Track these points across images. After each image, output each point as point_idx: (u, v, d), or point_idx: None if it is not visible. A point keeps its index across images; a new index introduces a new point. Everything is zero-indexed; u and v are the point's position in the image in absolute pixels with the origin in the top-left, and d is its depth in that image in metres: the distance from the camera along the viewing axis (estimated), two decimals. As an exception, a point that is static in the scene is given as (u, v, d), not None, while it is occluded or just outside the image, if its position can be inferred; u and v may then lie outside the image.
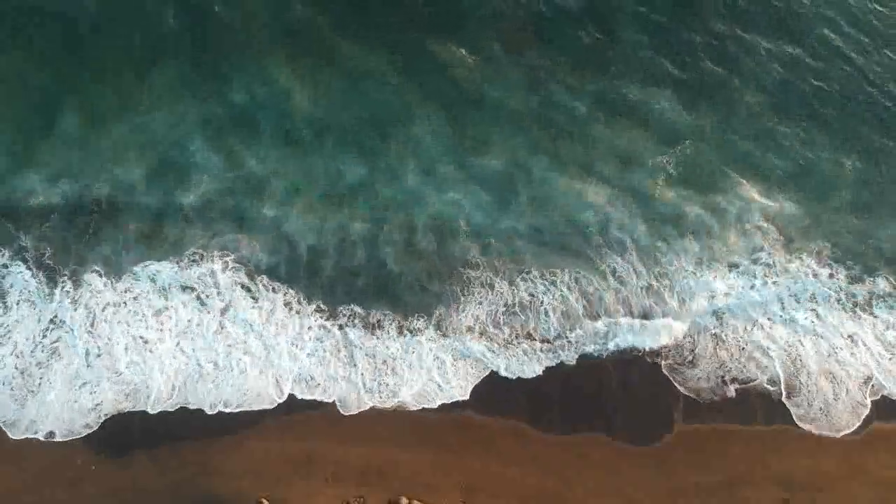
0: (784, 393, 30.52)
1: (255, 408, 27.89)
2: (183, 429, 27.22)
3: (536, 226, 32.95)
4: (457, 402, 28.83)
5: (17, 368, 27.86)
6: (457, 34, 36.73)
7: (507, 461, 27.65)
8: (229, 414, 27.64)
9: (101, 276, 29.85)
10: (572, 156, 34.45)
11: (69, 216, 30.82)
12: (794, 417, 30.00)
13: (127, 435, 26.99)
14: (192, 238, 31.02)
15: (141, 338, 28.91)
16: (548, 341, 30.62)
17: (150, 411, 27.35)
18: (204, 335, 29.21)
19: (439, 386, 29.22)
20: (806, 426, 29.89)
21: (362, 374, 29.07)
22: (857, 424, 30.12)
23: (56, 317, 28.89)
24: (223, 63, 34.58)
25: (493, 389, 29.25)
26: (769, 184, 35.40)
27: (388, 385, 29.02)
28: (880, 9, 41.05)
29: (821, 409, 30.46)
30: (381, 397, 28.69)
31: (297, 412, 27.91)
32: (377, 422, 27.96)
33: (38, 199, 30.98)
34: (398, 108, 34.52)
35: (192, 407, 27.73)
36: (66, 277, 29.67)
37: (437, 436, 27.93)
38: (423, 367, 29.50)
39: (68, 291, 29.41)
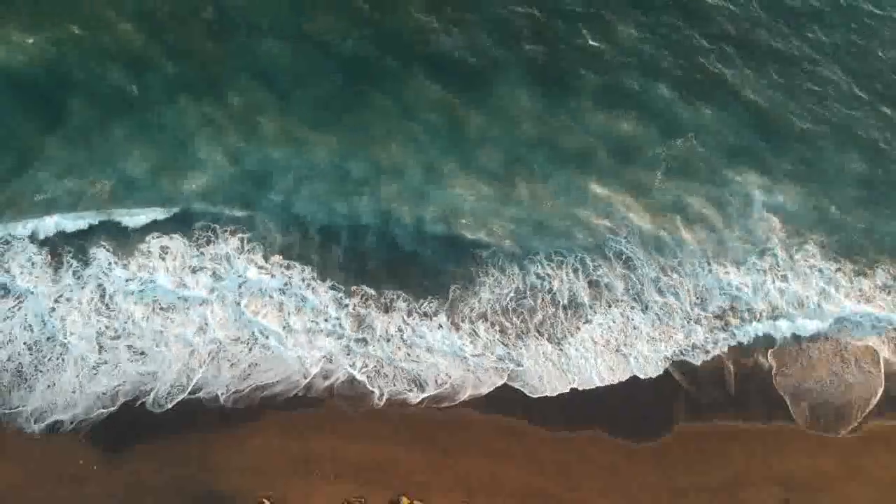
0: (775, 367, 30.19)
1: (279, 389, 27.40)
2: (184, 426, 26.51)
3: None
4: (457, 401, 28.24)
5: (25, 344, 27.02)
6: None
7: (508, 460, 27.09)
8: (230, 411, 26.95)
9: (108, 251, 28.79)
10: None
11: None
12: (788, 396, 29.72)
13: (128, 433, 26.32)
14: (201, 215, 30.04)
15: (155, 314, 28.10)
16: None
17: (167, 402, 26.73)
18: (221, 312, 28.47)
19: (462, 380, 28.68)
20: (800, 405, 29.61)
21: (379, 361, 28.56)
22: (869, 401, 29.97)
23: (62, 296, 27.88)
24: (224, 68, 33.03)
25: (492, 390, 28.58)
26: (773, 178, 34.42)
27: (409, 377, 28.50)
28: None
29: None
30: (397, 387, 28.17)
31: (297, 410, 27.21)
32: (378, 420, 27.27)
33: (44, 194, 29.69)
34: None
35: (213, 389, 27.17)
36: (70, 255, 28.58)
37: (437, 434, 27.29)
38: (446, 361, 28.92)
39: (76, 271, 28.34)
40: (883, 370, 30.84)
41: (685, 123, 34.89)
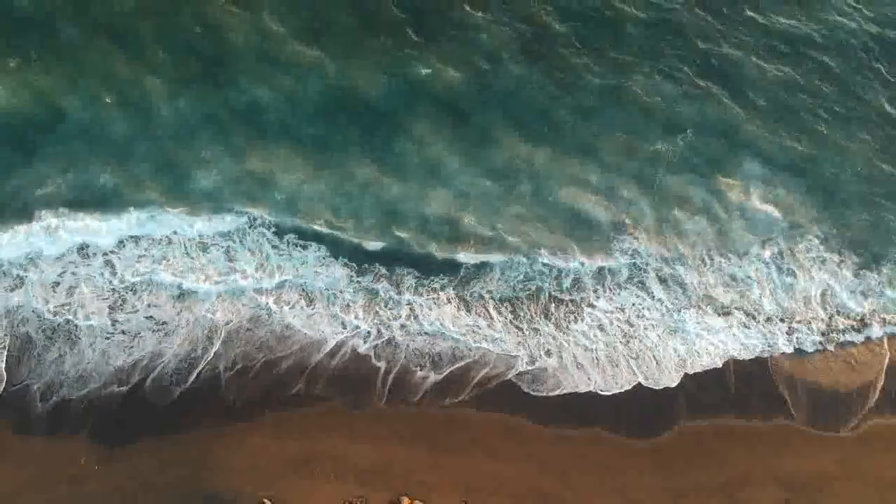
0: (776, 363, 29.79)
1: (289, 363, 27.09)
2: (185, 426, 25.93)
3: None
4: (456, 400, 27.70)
5: (33, 311, 26.22)
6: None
7: (508, 459, 26.63)
8: (232, 409, 26.38)
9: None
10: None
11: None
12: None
13: (129, 433, 25.74)
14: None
15: (174, 287, 27.50)
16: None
17: (179, 379, 26.30)
18: (240, 282, 27.93)
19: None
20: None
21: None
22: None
23: (66, 271, 26.90)
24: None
25: (492, 388, 28.08)
26: (775, 171, 33.72)
27: (419, 352, 28.24)
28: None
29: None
30: (407, 360, 27.97)
31: (298, 409, 26.64)
32: (378, 420, 26.71)
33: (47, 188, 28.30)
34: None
35: (220, 363, 26.69)
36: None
37: (437, 434, 26.76)
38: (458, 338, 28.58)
39: (82, 248, 27.35)
40: (885, 365, 30.46)
41: (684, 120, 33.97)
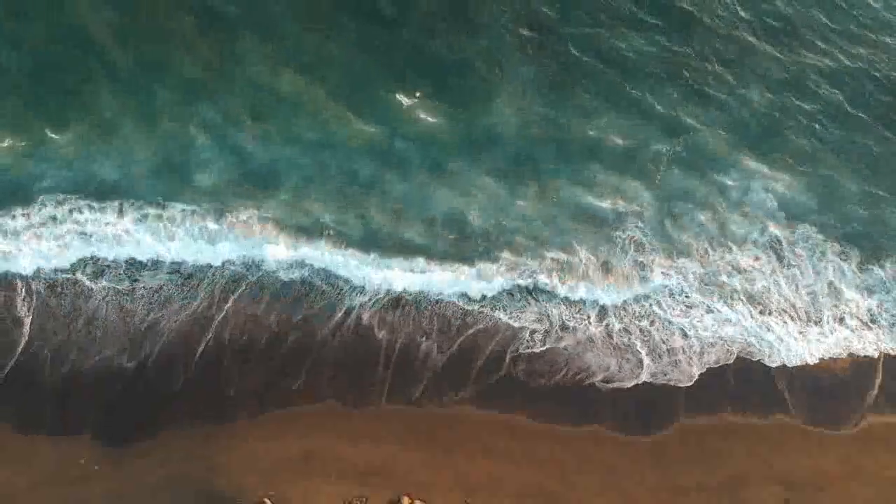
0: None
1: (294, 338, 26.91)
2: (185, 425, 25.48)
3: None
4: (456, 397, 27.31)
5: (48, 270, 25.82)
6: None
7: (508, 458, 26.21)
8: (232, 404, 25.92)
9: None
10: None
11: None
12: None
13: (129, 432, 25.35)
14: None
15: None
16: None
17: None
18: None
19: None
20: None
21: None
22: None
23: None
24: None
25: (492, 385, 27.73)
26: (776, 167, 33.39)
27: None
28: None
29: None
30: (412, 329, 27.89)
31: (298, 409, 26.20)
32: (378, 420, 26.25)
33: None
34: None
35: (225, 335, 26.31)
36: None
37: (437, 433, 26.32)
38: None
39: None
40: (882, 362, 30.15)
41: (685, 122, 33.68)
